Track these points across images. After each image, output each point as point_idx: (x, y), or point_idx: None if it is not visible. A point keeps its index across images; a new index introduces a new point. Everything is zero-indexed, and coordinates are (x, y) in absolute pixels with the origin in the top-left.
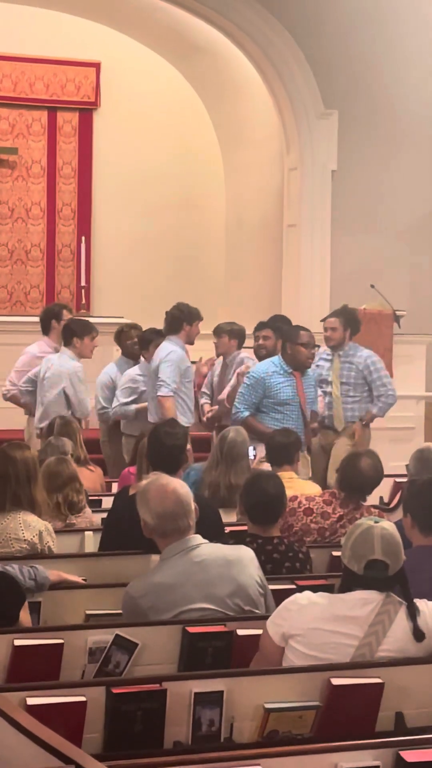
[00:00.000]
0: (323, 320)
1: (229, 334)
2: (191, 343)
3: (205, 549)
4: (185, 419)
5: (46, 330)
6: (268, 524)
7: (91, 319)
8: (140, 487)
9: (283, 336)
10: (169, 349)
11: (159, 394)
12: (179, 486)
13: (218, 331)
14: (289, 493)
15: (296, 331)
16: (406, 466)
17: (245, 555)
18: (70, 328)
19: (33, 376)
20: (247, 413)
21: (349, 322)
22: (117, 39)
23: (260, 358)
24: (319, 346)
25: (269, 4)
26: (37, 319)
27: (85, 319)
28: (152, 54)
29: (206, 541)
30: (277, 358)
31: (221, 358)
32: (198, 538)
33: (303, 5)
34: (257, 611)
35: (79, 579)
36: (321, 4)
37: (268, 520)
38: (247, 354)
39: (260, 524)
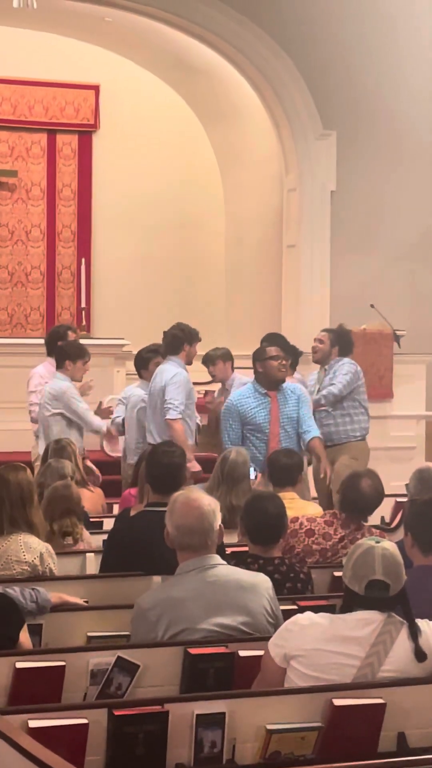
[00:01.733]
0: None
1: (223, 358)
2: (190, 363)
3: (221, 570)
4: (190, 441)
5: (51, 351)
6: (268, 545)
7: (92, 341)
8: (173, 496)
9: (254, 356)
10: (173, 371)
11: (168, 417)
12: (206, 503)
13: (211, 359)
14: (290, 514)
15: (262, 348)
16: (406, 485)
17: (261, 584)
18: (64, 351)
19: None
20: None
21: (339, 340)
22: (116, 62)
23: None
24: (289, 359)
25: (267, 26)
26: (37, 341)
27: (79, 342)
28: (151, 76)
29: (224, 562)
30: (251, 383)
31: (219, 385)
32: (216, 558)
33: (301, 27)
34: None
35: (80, 600)
36: (319, 25)
37: (269, 540)
38: (241, 375)
39: (261, 545)
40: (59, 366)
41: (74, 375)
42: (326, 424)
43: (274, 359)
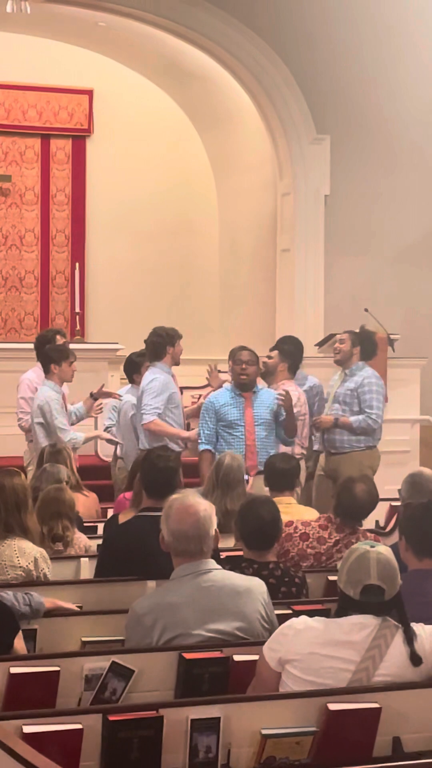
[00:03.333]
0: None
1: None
2: (177, 363)
3: (215, 575)
4: (175, 445)
5: (40, 356)
6: (263, 549)
7: (86, 345)
8: (168, 501)
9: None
10: (150, 378)
11: (143, 422)
12: (202, 509)
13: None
14: (286, 518)
15: (236, 350)
16: (399, 490)
17: (256, 588)
18: (47, 356)
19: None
20: (204, 446)
21: (361, 340)
22: (110, 66)
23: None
24: (261, 368)
25: (261, 30)
26: (32, 345)
27: (61, 344)
28: (145, 81)
29: (219, 567)
30: (230, 384)
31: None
32: (211, 563)
33: (295, 31)
34: None
35: (73, 606)
36: (313, 30)
37: (264, 545)
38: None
39: (256, 549)
40: (46, 372)
41: (64, 377)
42: (331, 432)
43: (237, 363)
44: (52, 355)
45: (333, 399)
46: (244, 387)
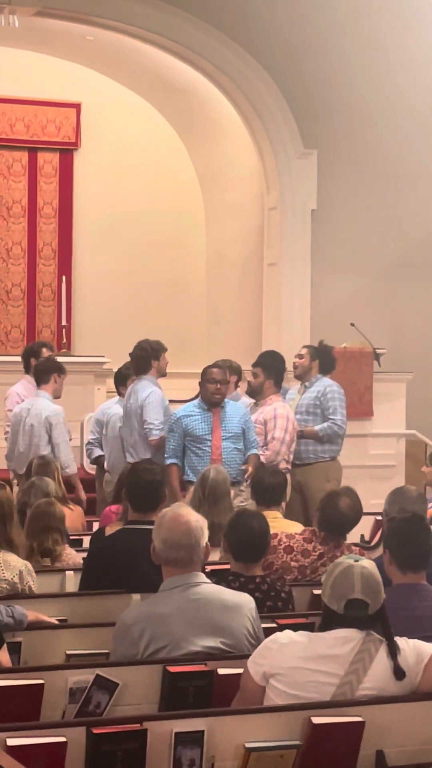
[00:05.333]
0: None
1: (229, 371)
2: (164, 375)
3: (205, 589)
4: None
5: (27, 368)
6: (251, 562)
7: (72, 359)
8: (162, 512)
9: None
10: (148, 390)
11: (151, 438)
12: (194, 520)
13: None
14: (271, 531)
15: (207, 368)
16: (384, 510)
17: (245, 604)
18: (47, 368)
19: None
20: (171, 461)
21: (319, 355)
22: (97, 80)
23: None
24: (238, 384)
25: (248, 45)
26: (18, 359)
27: (50, 358)
28: (133, 95)
29: (209, 581)
30: (197, 399)
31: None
32: (201, 576)
33: (282, 46)
34: None
35: (54, 621)
36: (300, 44)
37: (252, 558)
38: (243, 395)
39: (243, 562)
40: (44, 382)
41: (58, 391)
42: (297, 443)
43: (211, 382)
44: (51, 367)
45: (296, 410)
46: (213, 405)
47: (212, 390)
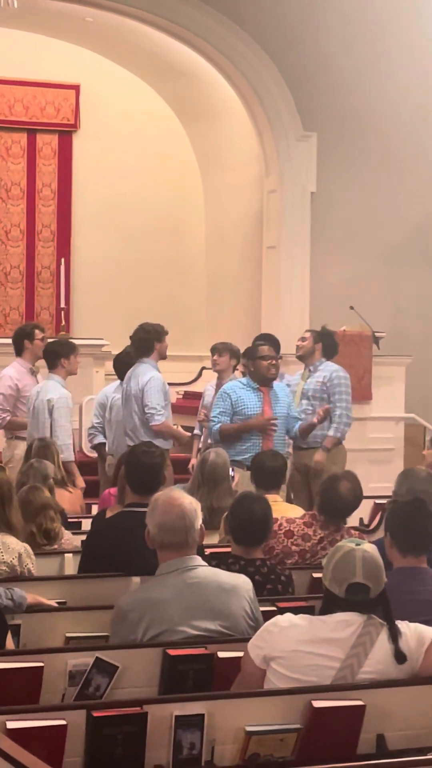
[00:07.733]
0: None
1: (231, 353)
2: (164, 358)
3: (202, 572)
4: (165, 442)
5: (19, 351)
6: (252, 546)
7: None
8: (154, 496)
9: (246, 354)
10: (148, 375)
11: (153, 423)
12: (188, 502)
13: (219, 350)
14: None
15: (255, 346)
16: (393, 491)
17: (242, 586)
18: (54, 351)
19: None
20: (220, 424)
21: (322, 338)
22: (97, 61)
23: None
24: (281, 357)
25: (249, 27)
26: None
27: (62, 339)
28: (132, 77)
29: (205, 564)
30: (245, 378)
31: (214, 382)
32: (197, 560)
33: (282, 28)
34: None
35: (54, 603)
36: (300, 27)
37: (253, 541)
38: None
39: (244, 545)
40: (53, 366)
41: (72, 370)
42: None
43: (264, 359)
44: (58, 350)
45: (301, 395)
46: (269, 382)
47: (266, 365)
